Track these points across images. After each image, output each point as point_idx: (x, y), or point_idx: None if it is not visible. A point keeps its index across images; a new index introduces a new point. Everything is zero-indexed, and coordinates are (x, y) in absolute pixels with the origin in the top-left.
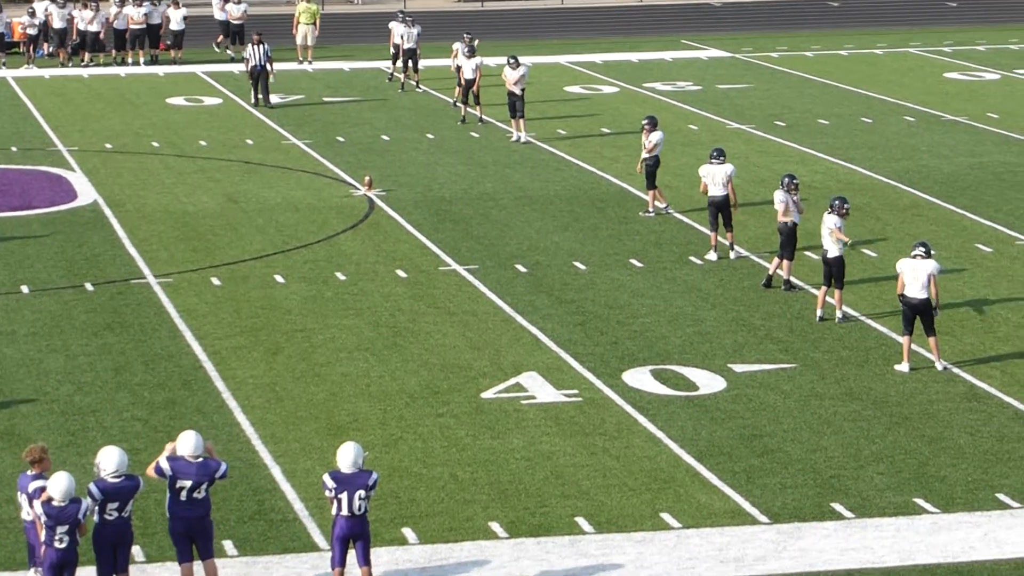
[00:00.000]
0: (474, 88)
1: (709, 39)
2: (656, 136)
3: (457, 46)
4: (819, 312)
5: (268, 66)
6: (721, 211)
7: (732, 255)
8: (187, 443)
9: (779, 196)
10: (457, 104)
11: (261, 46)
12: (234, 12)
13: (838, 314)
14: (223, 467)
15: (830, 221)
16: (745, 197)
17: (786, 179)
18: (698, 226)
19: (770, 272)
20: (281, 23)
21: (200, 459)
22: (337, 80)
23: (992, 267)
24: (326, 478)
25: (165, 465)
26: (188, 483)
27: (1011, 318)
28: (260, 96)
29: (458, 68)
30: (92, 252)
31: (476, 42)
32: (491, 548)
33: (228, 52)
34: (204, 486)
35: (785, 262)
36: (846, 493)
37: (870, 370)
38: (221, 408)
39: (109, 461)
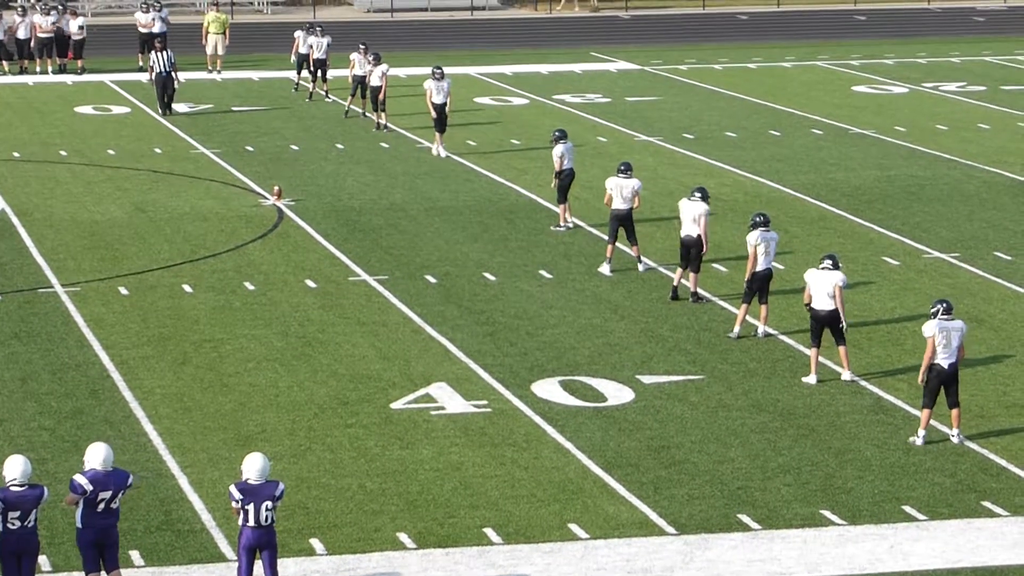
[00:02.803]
0: (380, 96)
1: (618, 51)
2: (556, 148)
3: (354, 56)
4: (736, 329)
5: (173, 73)
6: (623, 224)
7: (640, 267)
8: (98, 455)
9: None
10: (367, 115)
11: (164, 52)
12: (141, 20)
13: (761, 330)
14: (131, 475)
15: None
16: (653, 210)
17: (697, 193)
18: (607, 238)
19: (674, 284)
20: (192, 32)
21: (112, 469)
22: (246, 89)
23: (899, 280)
24: (232, 489)
25: (83, 481)
26: (108, 494)
27: (918, 331)
28: (166, 103)
29: (356, 78)
30: None
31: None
32: (399, 559)
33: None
34: (120, 495)
35: (692, 274)
36: (753, 504)
37: (777, 382)
38: (128, 418)
39: (12, 470)
